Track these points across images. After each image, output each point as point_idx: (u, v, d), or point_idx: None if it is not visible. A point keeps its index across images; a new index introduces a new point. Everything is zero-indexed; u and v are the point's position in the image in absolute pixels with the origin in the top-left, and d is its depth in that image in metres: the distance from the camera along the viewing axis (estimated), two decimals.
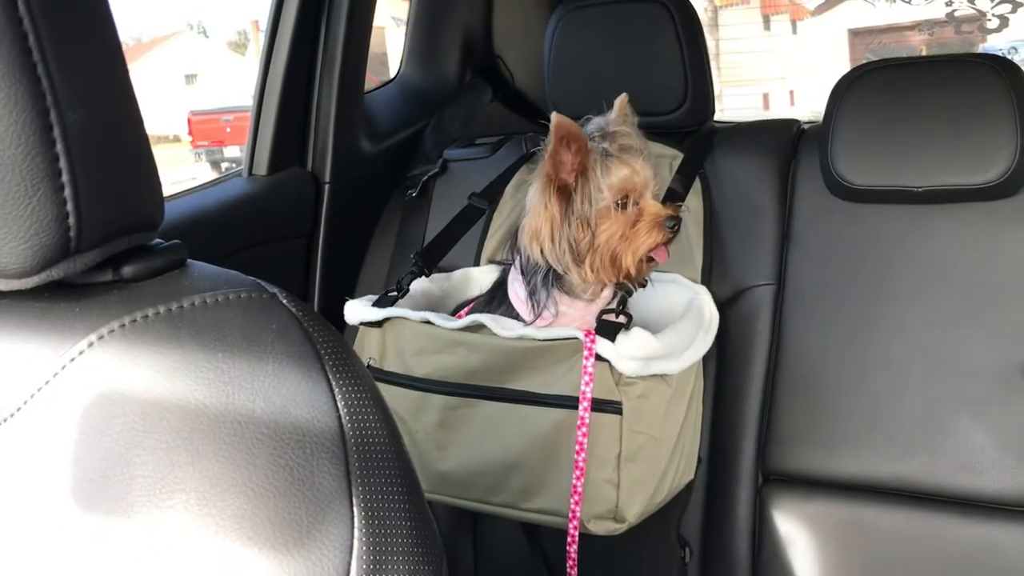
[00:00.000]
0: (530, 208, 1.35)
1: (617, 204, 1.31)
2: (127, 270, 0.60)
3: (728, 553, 1.55)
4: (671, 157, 1.64)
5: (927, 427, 1.44)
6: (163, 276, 0.61)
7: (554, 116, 1.29)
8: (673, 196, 1.56)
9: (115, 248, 0.59)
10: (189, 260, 0.64)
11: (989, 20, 3.54)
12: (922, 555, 1.43)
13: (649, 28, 1.66)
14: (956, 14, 3.79)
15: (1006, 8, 3.44)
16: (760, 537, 1.53)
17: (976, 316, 1.44)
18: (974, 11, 3.59)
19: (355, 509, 0.53)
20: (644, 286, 1.41)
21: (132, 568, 0.51)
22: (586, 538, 1.35)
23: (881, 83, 1.53)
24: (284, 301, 0.59)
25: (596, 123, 1.36)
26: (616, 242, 1.31)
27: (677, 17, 1.63)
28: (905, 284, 1.49)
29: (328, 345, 0.58)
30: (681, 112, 1.67)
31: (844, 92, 1.55)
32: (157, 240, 0.64)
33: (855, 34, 8.65)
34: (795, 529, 1.51)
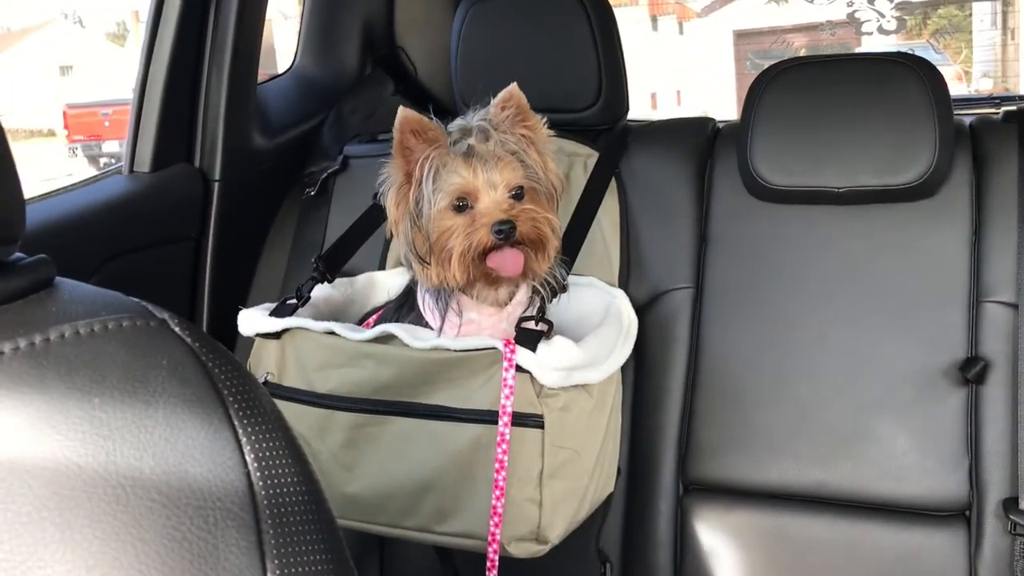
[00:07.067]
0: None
1: (455, 206, 1.23)
2: None
3: (650, 567, 1.49)
4: (585, 156, 1.58)
5: (849, 433, 1.41)
6: (24, 300, 0.49)
7: (400, 111, 1.24)
8: (589, 197, 1.50)
9: None
10: (58, 279, 0.53)
11: (866, 26, 3.63)
12: (845, 563, 1.40)
13: (562, 20, 1.59)
14: (830, 20, 3.90)
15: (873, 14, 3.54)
16: (682, 549, 1.48)
17: (897, 319, 1.42)
18: (844, 18, 3.69)
19: None
20: (565, 291, 1.34)
21: None
22: (502, 559, 1.27)
23: (800, 81, 1.50)
24: (176, 329, 0.48)
25: (458, 122, 1.28)
26: (447, 243, 1.22)
27: (591, 9, 1.57)
28: (826, 287, 1.46)
29: (232, 382, 0.47)
30: (595, 109, 1.61)
31: (763, 90, 1.51)
32: (17, 255, 0.52)
33: (739, 35, 8.87)
34: (717, 539, 1.47)
